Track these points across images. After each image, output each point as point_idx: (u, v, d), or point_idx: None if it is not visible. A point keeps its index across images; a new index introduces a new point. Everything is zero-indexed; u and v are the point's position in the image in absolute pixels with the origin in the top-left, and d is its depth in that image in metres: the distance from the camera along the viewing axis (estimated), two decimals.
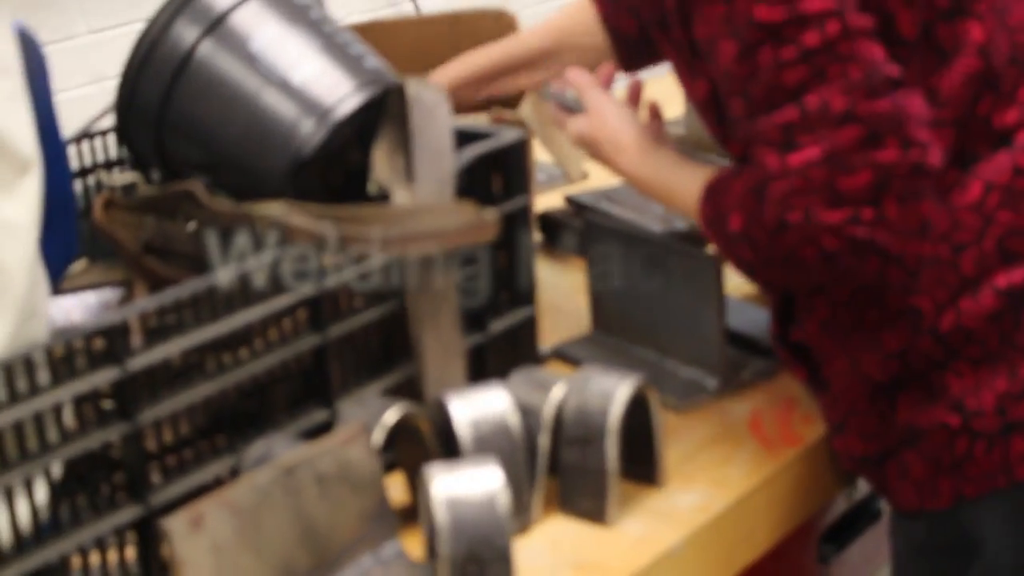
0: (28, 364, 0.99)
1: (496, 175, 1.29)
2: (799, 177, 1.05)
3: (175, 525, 0.94)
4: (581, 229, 1.48)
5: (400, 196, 1.22)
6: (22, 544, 1.00)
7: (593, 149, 1.31)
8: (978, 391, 1.12)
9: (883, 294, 1.14)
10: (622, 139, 1.27)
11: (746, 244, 1.11)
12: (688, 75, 1.20)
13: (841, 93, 1.04)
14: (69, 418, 1.03)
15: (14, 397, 0.98)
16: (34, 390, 0.99)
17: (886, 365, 1.15)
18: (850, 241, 1.05)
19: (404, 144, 1.26)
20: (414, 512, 1.14)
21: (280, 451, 1.08)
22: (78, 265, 1.36)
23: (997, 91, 1.13)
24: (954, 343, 1.13)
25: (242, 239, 1.34)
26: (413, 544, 1.10)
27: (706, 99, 1.18)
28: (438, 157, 1.23)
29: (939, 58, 1.11)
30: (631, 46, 1.41)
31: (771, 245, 1.09)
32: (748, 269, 1.15)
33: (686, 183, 1.21)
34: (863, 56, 1.05)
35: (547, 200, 1.80)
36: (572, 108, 1.35)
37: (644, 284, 1.39)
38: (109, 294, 1.36)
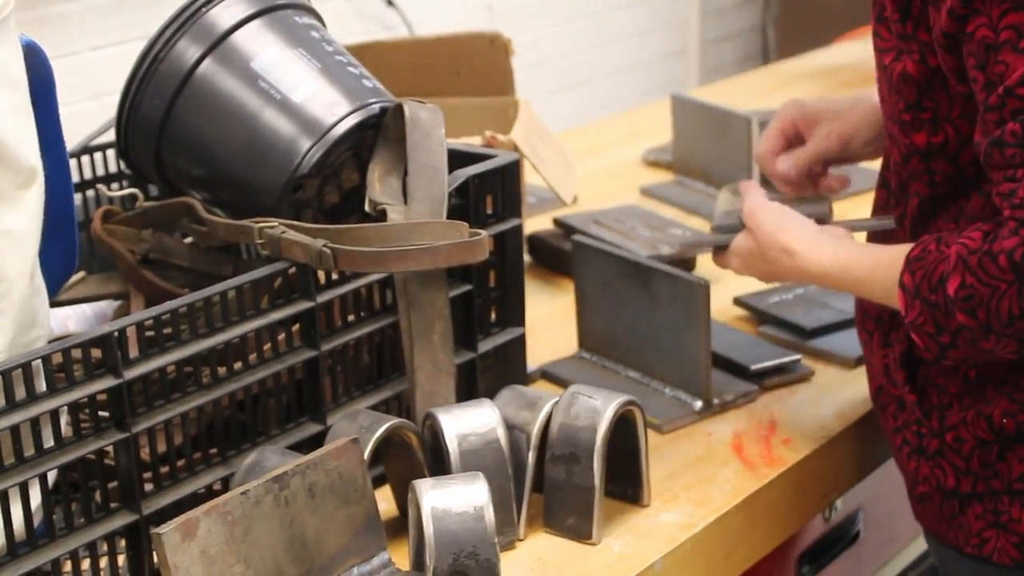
0: (26, 372, 1.01)
1: (488, 196, 1.31)
2: None
3: (167, 533, 0.96)
4: (569, 251, 1.50)
5: (394, 215, 1.24)
6: (15, 549, 1.02)
7: (762, 266, 1.24)
8: None
9: None
10: (786, 240, 1.21)
11: (963, 308, 1.05)
12: (893, 50, 1.13)
13: None
14: (65, 426, 1.05)
15: (12, 404, 1.00)
16: (31, 397, 1.01)
17: (1016, 414, 1.13)
18: None
19: (399, 163, 1.28)
20: (402, 525, 1.16)
21: (272, 462, 1.10)
22: (76, 276, 1.37)
23: None
24: None
25: (238, 254, 1.37)
26: (401, 556, 1.11)
27: (911, 78, 1.11)
28: (432, 177, 1.25)
29: None
30: None
31: (999, 304, 1.02)
32: (960, 336, 1.07)
33: (874, 264, 1.15)
34: None
35: (537, 222, 1.82)
36: (719, 245, 1.29)
37: (631, 306, 1.41)
38: (106, 305, 1.38)
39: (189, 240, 1.36)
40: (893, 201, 1.23)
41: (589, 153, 2.18)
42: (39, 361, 1.02)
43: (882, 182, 1.27)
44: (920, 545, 1.64)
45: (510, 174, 1.32)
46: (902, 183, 1.20)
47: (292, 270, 1.18)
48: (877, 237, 1.25)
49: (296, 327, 1.19)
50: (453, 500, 1.05)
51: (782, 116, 1.37)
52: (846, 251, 1.18)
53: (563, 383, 1.41)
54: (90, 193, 1.45)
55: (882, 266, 1.14)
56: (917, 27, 1.11)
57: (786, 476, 1.29)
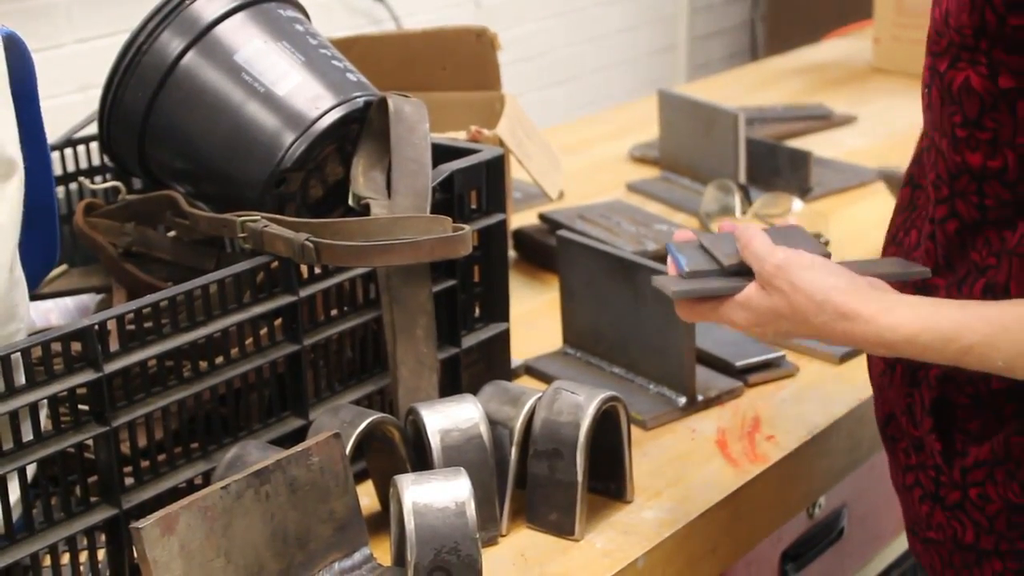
0: (5, 365, 1.00)
1: (473, 191, 1.31)
2: None
3: (146, 528, 0.95)
4: (555, 246, 1.50)
5: (378, 209, 1.23)
6: None
7: (791, 327, 1.03)
8: None
9: None
10: (843, 301, 1.00)
11: None
12: (946, 55, 1.00)
13: None
14: (44, 419, 1.05)
15: None
16: (10, 391, 1.01)
17: None
18: None
19: (383, 158, 1.28)
20: (384, 520, 1.16)
21: (253, 457, 1.10)
22: (58, 269, 1.37)
23: None
24: None
25: (221, 247, 1.36)
26: (382, 552, 1.11)
27: (975, 93, 0.98)
28: (416, 171, 1.25)
29: None
30: None
31: None
32: None
33: (999, 326, 0.96)
34: None
35: (523, 217, 1.82)
36: (714, 294, 1.06)
37: (615, 302, 1.41)
38: (88, 299, 1.38)
39: (172, 233, 1.35)
40: (929, 211, 1.08)
41: (576, 148, 2.18)
42: (18, 354, 1.01)
43: (909, 179, 1.14)
44: (904, 542, 1.65)
45: (495, 169, 1.32)
46: (942, 200, 1.05)
47: (275, 264, 1.17)
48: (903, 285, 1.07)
49: (278, 321, 1.18)
50: (435, 495, 1.05)
51: None
52: (937, 313, 0.98)
53: (547, 378, 1.41)
54: (73, 186, 1.45)
55: (1008, 329, 0.95)
56: (993, 45, 0.98)
57: (770, 473, 1.29)
